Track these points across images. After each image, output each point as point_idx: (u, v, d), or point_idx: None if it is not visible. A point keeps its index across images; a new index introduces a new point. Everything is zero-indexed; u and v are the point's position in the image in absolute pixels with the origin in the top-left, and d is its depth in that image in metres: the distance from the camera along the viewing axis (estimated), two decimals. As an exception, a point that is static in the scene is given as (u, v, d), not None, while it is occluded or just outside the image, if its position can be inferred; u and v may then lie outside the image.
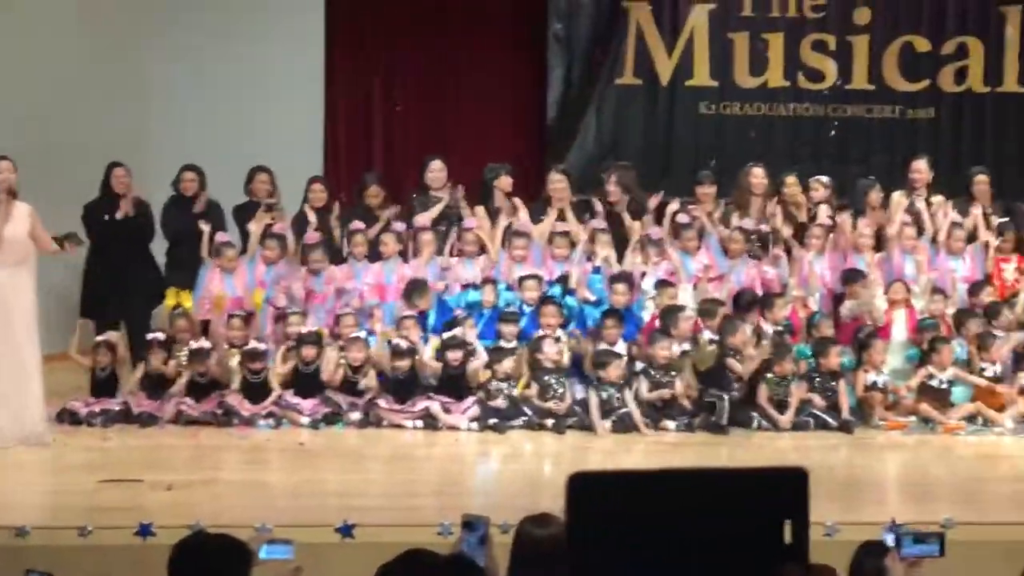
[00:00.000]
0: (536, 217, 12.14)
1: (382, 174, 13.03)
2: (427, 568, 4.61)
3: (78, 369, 11.19)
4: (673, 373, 10.83)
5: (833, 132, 14.47)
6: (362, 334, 10.98)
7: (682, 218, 12.06)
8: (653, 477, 4.31)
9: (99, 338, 11.15)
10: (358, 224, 11.91)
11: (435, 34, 14.48)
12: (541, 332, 11.02)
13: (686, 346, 11.01)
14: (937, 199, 12.61)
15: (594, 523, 4.05)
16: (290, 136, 13.62)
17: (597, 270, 11.72)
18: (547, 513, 5.53)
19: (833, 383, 10.99)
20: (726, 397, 10.59)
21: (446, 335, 10.96)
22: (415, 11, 14.49)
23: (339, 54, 14.30)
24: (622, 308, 11.29)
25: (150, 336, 11.05)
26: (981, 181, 12.63)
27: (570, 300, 11.51)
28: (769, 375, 10.89)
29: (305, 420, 10.60)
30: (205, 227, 11.74)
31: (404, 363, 10.83)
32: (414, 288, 11.37)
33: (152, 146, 13.42)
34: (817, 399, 10.87)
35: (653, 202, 12.35)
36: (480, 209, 12.18)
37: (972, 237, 12.33)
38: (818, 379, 11.00)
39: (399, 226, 11.94)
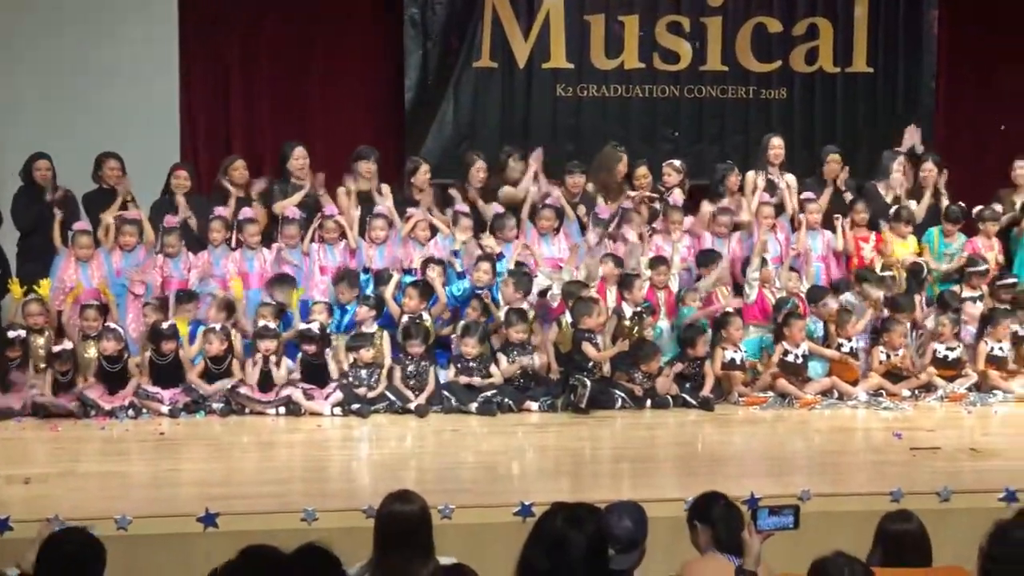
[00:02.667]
0: (399, 205, 12.14)
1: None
2: (269, 563, 4.59)
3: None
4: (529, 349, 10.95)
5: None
6: (216, 326, 10.87)
7: (548, 200, 12.17)
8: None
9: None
10: (220, 210, 11.80)
11: (291, 19, 14.33)
12: (405, 318, 11.05)
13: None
14: (789, 177, 12.83)
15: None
16: (145, 122, 13.39)
17: (456, 253, 11.75)
18: (408, 490, 5.56)
19: (700, 364, 11.14)
20: (588, 383, 10.67)
21: (301, 326, 10.91)
22: (270, -4, 14.39)
23: (193, 37, 14.08)
24: (485, 287, 11.35)
25: (12, 334, 10.74)
26: (833, 160, 12.88)
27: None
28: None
29: (165, 409, 10.48)
30: (59, 214, 11.53)
31: (312, 348, 10.80)
32: (277, 282, 11.33)
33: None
34: (669, 384, 11.02)
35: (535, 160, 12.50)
36: (341, 191, 12.14)
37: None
38: (685, 362, 11.15)
39: (251, 212, 11.85)
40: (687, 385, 11.08)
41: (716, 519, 5.61)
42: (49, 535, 5.23)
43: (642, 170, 12.85)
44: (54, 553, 5.06)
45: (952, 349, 11.55)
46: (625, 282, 11.48)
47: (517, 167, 12.58)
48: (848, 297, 11.81)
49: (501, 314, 11.15)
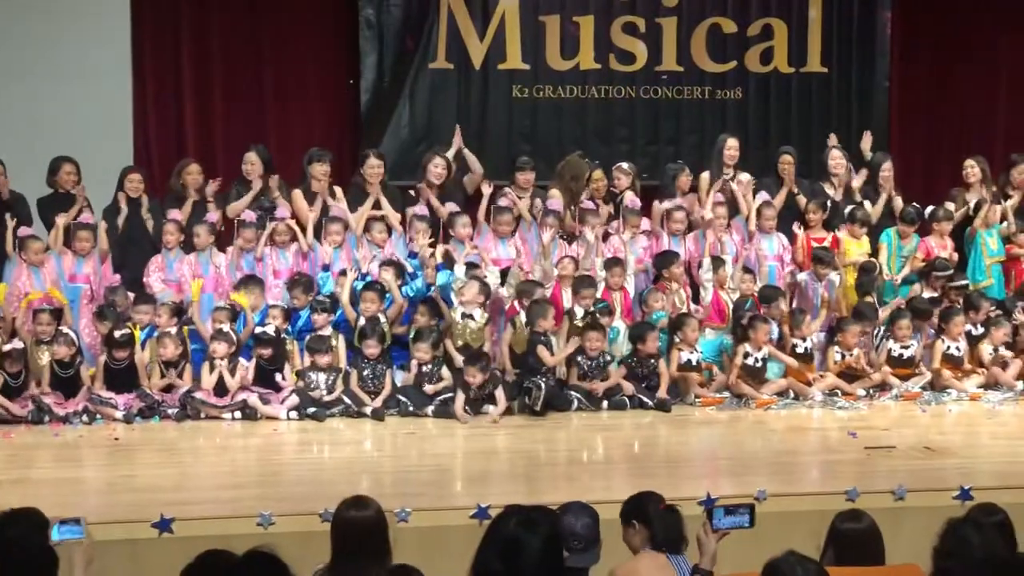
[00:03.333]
0: (352, 203, 12.11)
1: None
2: (224, 568, 4.57)
3: None
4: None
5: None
6: (172, 330, 10.82)
7: (502, 201, 12.16)
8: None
9: None
10: (174, 214, 11.74)
11: (244, 20, 14.28)
12: (363, 319, 11.02)
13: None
14: (744, 177, 12.86)
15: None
16: (97, 126, 13.30)
17: (413, 255, 11.73)
18: (363, 496, 5.55)
19: (652, 362, 11.15)
20: (543, 385, 10.65)
21: (258, 330, 10.87)
22: (223, -1, 14.33)
23: (147, 39, 14.00)
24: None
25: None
26: (786, 161, 12.90)
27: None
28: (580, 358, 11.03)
29: (119, 415, 10.41)
30: (10, 222, 11.43)
31: (267, 351, 10.77)
32: (244, 283, 11.32)
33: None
34: (627, 385, 11.00)
35: (486, 189, 12.41)
36: (297, 193, 12.10)
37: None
38: (635, 362, 11.15)
39: (212, 217, 11.80)
40: (642, 384, 11.07)
41: (653, 517, 5.65)
42: None
43: (598, 173, 12.88)
44: (3, 562, 5.02)
45: (907, 348, 11.60)
46: (578, 284, 11.46)
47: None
48: None
49: (456, 315, 11.11)
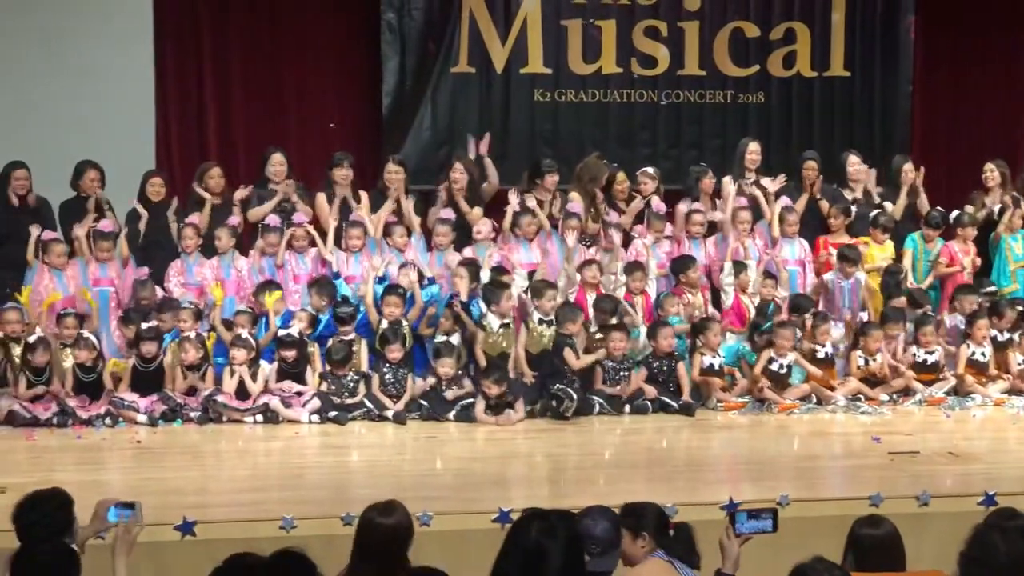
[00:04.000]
0: (375, 208, 12.13)
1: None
2: (253, 569, 4.58)
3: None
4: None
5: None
6: (192, 334, 10.83)
7: (529, 201, 12.15)
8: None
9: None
10: (192, 218, 11.76)
11: (266, 24, 14.30)
12: (385, 323, 11.03)
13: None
14: (766, 182, 12.81)
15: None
16: (120, 130, 13.32)
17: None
18: (393, 501, 5.54)
19: (672, 365, 11.13)
20: (575, 396, 10.64)
21: (281, 332, 10.88)
22: (244, 2, 14.31)
23: (169, 45, 14.02)
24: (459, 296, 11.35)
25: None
26: (810, 167, 12.86)
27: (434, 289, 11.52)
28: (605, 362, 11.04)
29: (142, 418, 10.42)
30: (35, 230, 11.44)
31: (291, 353, 10.77)
32: (263, 287, 11.35)
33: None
34: (649, 389, 10.99)
35: (513, 197, 12.40)
36: (320, 197, 12.11)
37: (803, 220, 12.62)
38: (655, 363, 11.13)
39: (234, 220, 11.82)
40: (661, 384, 11.06)
41: (656, 527, 5.62)
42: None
43: (621, 176, 12.88)
44: (27, 564, 5.04)
45: (931, 353, 11.55)
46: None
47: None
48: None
49: (494, 324, 11.08)
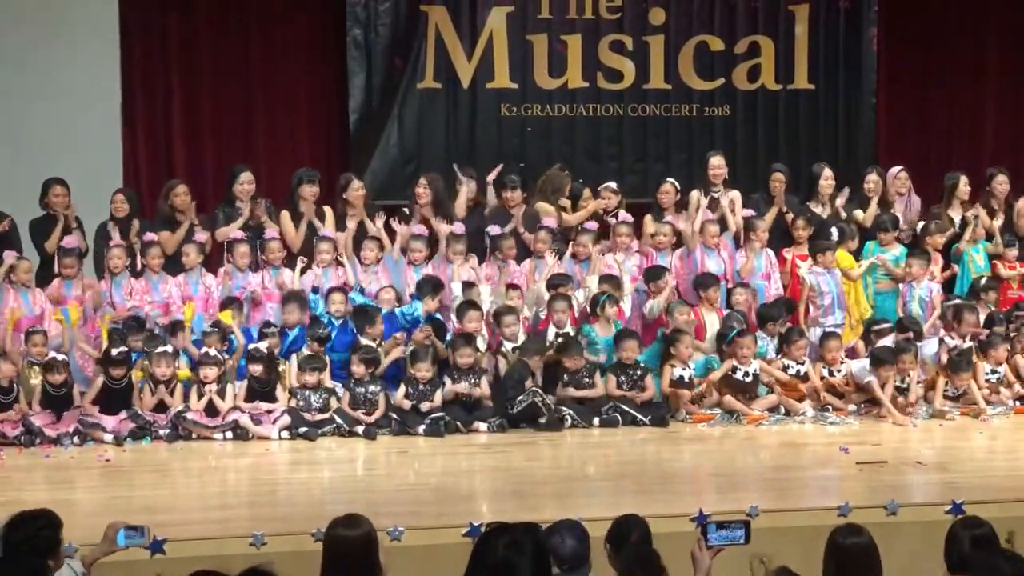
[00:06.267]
0: (340, 226, 12.12)
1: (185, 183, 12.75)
2: None
3: None
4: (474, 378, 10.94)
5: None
6: (168, 348, 10.80)
7: (492, 230, 12.14)
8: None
9: None
10: (150, 236, 11.69)
11: (233, 39, 14.31)
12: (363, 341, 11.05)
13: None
14: (733, 194, 12.86)
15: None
16: (87, 147, 13.29)
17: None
18: (355, 514, 5.55)
19: (639, 374, 11.16)
20: (542, 394, 10.77)
21: (250, 347, 10.87)
22: (211, 18, 14.31)
23: (136, 63, 14.01)
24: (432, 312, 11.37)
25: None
26: (777, 180, 12.87)
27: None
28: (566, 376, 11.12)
29: (108, 437, 10.37)
30: (8, 258, 11.35)
31: (258, 368, 10.76)
32: (230, 303, 11.34)
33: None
34: (615, 390, 11.07)
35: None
36: (285, 214, 12.09)
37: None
38: (622, 374, 11.15)
39: (200, 237, 11.79)
40: (626, 386, 11.12)
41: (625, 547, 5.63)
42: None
43: (587, 192, 12.87)
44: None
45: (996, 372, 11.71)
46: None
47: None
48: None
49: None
